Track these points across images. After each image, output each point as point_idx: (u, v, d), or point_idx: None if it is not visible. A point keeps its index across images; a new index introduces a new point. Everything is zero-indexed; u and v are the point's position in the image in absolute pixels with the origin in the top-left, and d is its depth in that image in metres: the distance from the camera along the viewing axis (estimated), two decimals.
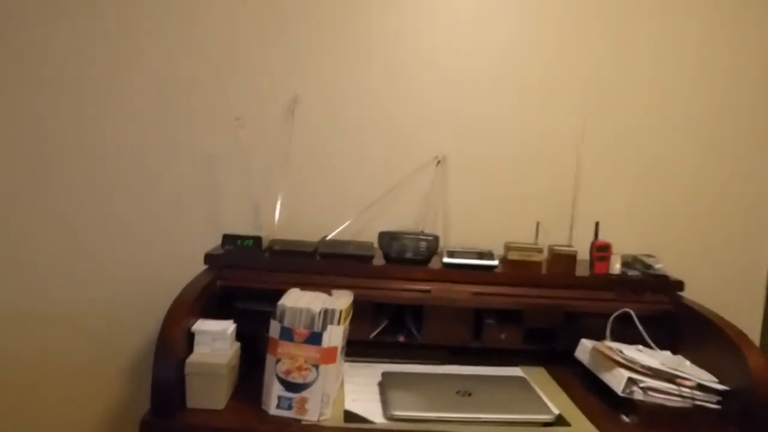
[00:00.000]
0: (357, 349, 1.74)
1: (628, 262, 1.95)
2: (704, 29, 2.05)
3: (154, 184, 2.03)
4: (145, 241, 2.04)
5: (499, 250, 1.92)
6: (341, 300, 1.47)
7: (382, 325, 1.82)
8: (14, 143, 2.00)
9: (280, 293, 1.50)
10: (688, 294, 1.87)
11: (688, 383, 1.52)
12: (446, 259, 1.83)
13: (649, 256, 1.97)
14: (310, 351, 1.36)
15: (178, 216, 2.04)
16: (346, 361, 1.68)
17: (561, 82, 2.05)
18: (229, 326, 1.50)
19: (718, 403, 1.53)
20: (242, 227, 2.03)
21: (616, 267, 1.91)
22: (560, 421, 1.45)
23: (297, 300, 1.42)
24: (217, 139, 2.02)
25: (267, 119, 2.02)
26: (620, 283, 1.87)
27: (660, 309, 1.85)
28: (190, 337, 1.48)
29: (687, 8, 2.04)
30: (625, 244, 2.01)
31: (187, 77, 2.00)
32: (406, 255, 1.82)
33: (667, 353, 1.75)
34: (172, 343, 1.40)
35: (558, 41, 2.03)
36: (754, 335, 2.16)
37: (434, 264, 1.85)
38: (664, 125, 2.08)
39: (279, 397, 1.38)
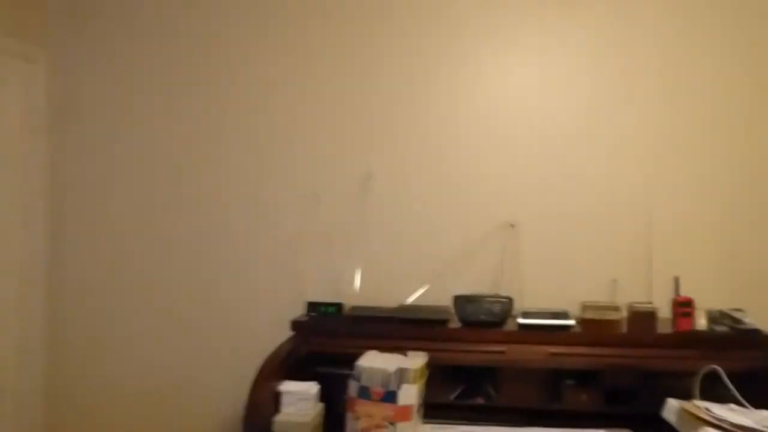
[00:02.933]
0: (436, 412, 1.78)
1: (714, 318, 1.89)
2: None
3: (249, 262, 2.22)
4: (234, 309, 2.21)
5: (575, 311, 1.93)
6: (415, 360, 1.54)
7: (460, 389, 1.86)
8: (117, 230, 2.27)
9: (359, 357, 1.58)
10: None
11: None
12: (521, 320, 1.86)
13: (737, 310, 1.90)
14: (387, 409, 1.43)
15: (265, 286, 2.19)
16: (425, 422, 1.71)
17: (627, 139, 2.08)
18: (312, 387, 1.60)
19: None
20: (325, 298, 2.14)
21: (701, 323, 1.86)
22: None
23: (374, 361, 1.51)
24: (298, 217, 2.19)
25: (344, 194, 2.18)
26: (706, 339, 1.82)
27: (753, 365, 1.77)
28: (277, 398, 1.59)
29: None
30: (709, 299, 1.96)
31: (269, 161, 2.21)
32: (481, 317, 1.87)
33: (764, 412, 1.67)
34: (261, 403, 1.52)
35: (622, 100, 2.09)
36: None
37: (510, 326, 1.88)
38: (739, 173, 2.05)
39: None
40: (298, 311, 2.05)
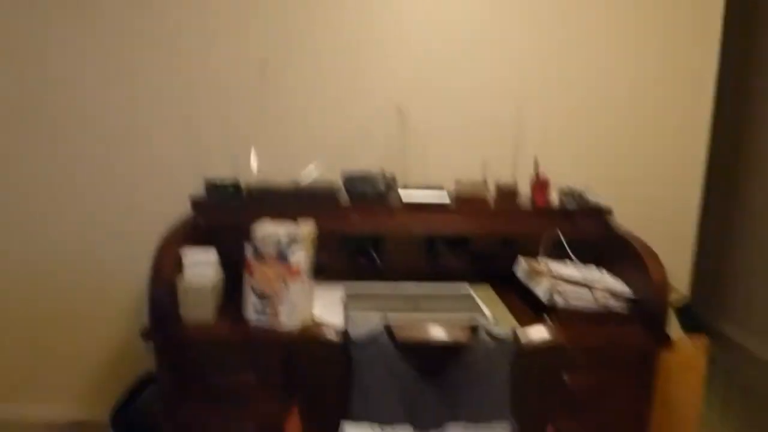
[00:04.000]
0: (326, 275, 2.02)
1: (564, 194, 2.21)
2: None
3: (147, 145, 2.28)
4: (134, 190, 2.31)
5: (451, 187, 2.18)
6: (305, 227, 1.74)
7: (348, 253, 2.10)
8: (21, 105, 2.25)
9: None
10: (624, 223, 2.13)
11: (600, 289, 1.81)
12: (403, 195, 2.09)
13: (583, 187, 2.23)
14: (279, 269, 1.64)
15: (167, 167, 2.29)
16: (316, 283, 1.95)
17: (502, 31, 2.27)
18: (213, 253, 1.78)
19: (626, 306, 1.82)
20: (225, 173, 2.28)
21: (554, 198, 2.18)
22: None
23: (267, 228, 1.70)
24: (198, 100, 2.26)
25: (241, 78, 2.25)
26: (557, 212, 2.14)
27: (590, 233, 2.12)
28: (179, 264, 1.76)
29: None
30: (562, 178, 2.27)
31: (171, 44, 2.23)
32: (367, 192, 2.08)
33: (592, 267, 2.03)
34: (165, 268, 1.69)
35: (508, 3, 2.26)
36: (686, 258, 2.46)
37: (393, 200, 2.11)
38: (597, 67, 2.32)
39: (256, 308, 1.67)
40: (198, 189, 2.19)
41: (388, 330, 1.19)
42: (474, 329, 1.21)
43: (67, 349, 2.41)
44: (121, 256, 2.35)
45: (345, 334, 1.19)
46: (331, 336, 1.19)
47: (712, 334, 2.29)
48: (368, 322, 1.20)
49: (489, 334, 1.20)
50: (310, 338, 1.20)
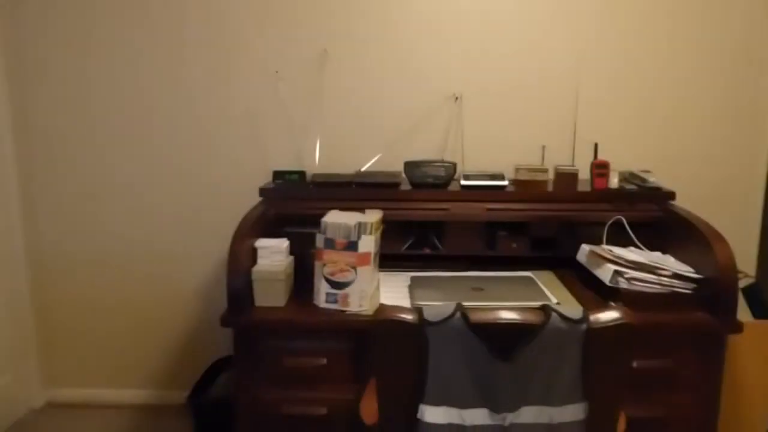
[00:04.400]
0: (390, 262, 2.08)
1: (625, 178, 2.20)
2: None
3: (209, 135, 2.38)
4: (204, 183, 2.42)
5: (509, 173, 2.20)
6: (372, 215, 1.80)
7: (411, 241, 2.16)
8: (86, 108, 2.38)
9: (322, 217, 1.83)
10: (687, 205, 2.11)
11: (665, 273, 1.81)
12: (463, 182, 2.13)
13: (645, 171, 2.21)
14: (349, 256, 1.70)
15: (233, 160, 2.39)
16: (380, 271, 2.02)
17: (559, 16, 2.27)
18: (284, 242, 1.85)
19: (692, 289, 1.82)
20: (288, 166, 2.36)
21: (614, 182, 2.17)
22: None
23: (337, 217, 1.76)
24: (260, 92, 2.34)
25: (301, 70, 2.32)
26: (617, 195, 2.13)
27: (653, 216, 2.11)
28: (253, 253, 1.84)
29: None
30: (623, 162, 2.26)
31: (230, 41, 2.31)
32: (428, 180, 2.12)
33: (657, 253, 2.03)
34: (240, 257, 1.77)
35: None
36: (753, 240, 2.41)
37: (453, 187, 2.15)
38: (657, 49, 2.29)
39: (326, 294, 1.74)
40: (264, 180, 2.27)
41: (462, 311, 1.23)
42: (546, 311, 1.24)
43: (144, 336, 2.55)
44: (192, 246, 2.47)
45: (420, 314, 1.24)
46: (408, 316, 1.24)
47: None
48: (441, 307, 1.25)
49: (560, 315, 1.23)
50: (387, 319, 1.25)
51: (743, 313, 2.06)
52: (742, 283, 2.08)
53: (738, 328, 1.75)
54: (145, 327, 2.53)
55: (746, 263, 2.38)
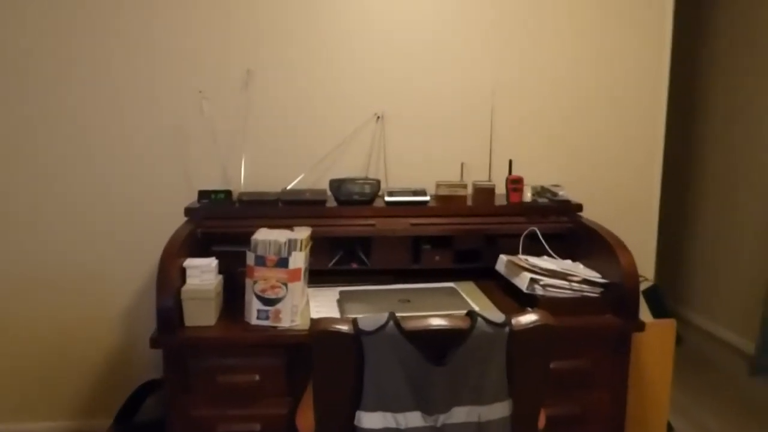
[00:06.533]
0: (318, 278, 2.13)
1: (537, 192, 2.36)
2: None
3: (133, 154, 2.35)
4: (128, 202, 2.37)
5: (431, 189, 2.31)
6: (301, 232, 1.84)
7: (338, 256, 2.21)
8: (13, 128, 2.29)
9: (250, 236, 1.84)
10: (594, 217, 2.28)
11: (576, 279, 1.96)
12: (387, 198, 2.21)
13: (555, 185, 2.38)
14: (280, 273, 1.73)
15: (157, 179, 2.36)
16: (309, 286, 2.05)
17: (476, 40, 2.42)
18: (212, 261, 1.86)
19: (600, 293, 1.97)
20: (213, 185, 2.36)
21: (527, 196, 2.32)
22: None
23: (266, 235, 1.79)
24: (185, 112, 2.34)
25: (226, 90, 2.34)
26: (531, 208, 2.28)
27: (563, 227, 2.27)
28: (182, 273, 1.84)
29: None
30: (535, 177, 2.43)
31: (160, 55, 2.30)
32: (354, 197, 2.19)
33: (568, 261, 2.18)
34: (169, 276, 1.76)
35: (472, 10, 2.39)
36: (650, 247, 2.64)
37: (378, 203, 2.23)
38: (565, 76, 2.48)
39: (258, 311, 1.76)
40: (189, 199, 2.26)
41: (395, 320, 1.30)
42: (472, 316, 1.33)
43: (66, 363, 2.44)
44: (114, 266, 2.40)
45: (356, 324, 1.29)
46: (344, 327, 1.29)
47: (677, 318, 2.47)
48: (375, 317, 1.31)
49: (485, 320, 1.32)
50: (324, 330, 1.30)
51: (644, 314, 2.25)
52: (643, 286, 2.28)
53: (641, 327, 1.91)
54: (62, 352, 2.43)
55: (645, 268, 2.60)
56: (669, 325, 2.26)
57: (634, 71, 2.52)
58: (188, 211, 2.13)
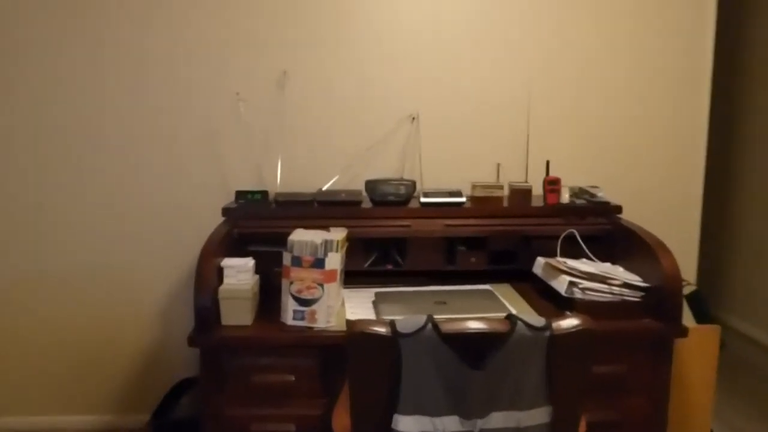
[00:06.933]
0: (353, 279, 2.12)
1: (575, 193, 2.32)
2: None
3: (172, 155, 2.38)
4: (166, 203, 2.40)
5: (466, 190, 2.29)
6: (337, 233, 1.84)
7: (373, 257, 2.20)
8: (47, 127, 2.34)
9: (286, 236, 1.84)
10: (634, 219, 2.24)
11: (616, 282, 1.92)
12: (423, 199, 2.20)
13: (594, 186, 2.34)
14: (316, 273, 1.74)
15: (195, 180, 2.39)
16: (344, 287, 2.05)
17: (512, 39, 2.39)
18: (249, 261, 1.87)
19: (641, 297, 1.92)
20: (249, 186, 2.38)
21: (565, 197, 2.28)
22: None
23: (302, 236, 1.79)
24: (221, 113, 2.36)
25: (262, 92, 2.36)
26: (569, 210, 2.24)
27: (602, 229, 2.22)
28: (219, 273, 1.85)
29: None
30: (572, 178, 2.39)
31: (195, 57, 2.33)
32: (389, 198, 2.18)
33: (607, 264, 2.14)
34: (207, 277, 1.78)
35: (509, 7, 2.37)
36: (693, 250, 2.57)
37: (413, 204, 2.22)
38: (604, 75, 2.44)
39: (294, 311, 1.77)
40: (226, 200, 2.28)
41: (433, 323, 1.28)
42: (511, 320, 1.30)
43: (103, 360, 2.49)
44: (153, 266, 2.44)
45: (393, 326, 1.28)
46: (381, 329, 1.29)
47: (719, 323, 2.39)
48: (413, 319, 1.30)
49: (525, 324, 1.30)
50: (361, 332, 1.29)
51: (686, 318, 2.19)
52: (685, 290, 2.22)
53: (683, 332, 1.86)
54: (101, 350, 2.48)
55: (688, 272, 2.53)
56: (713, 330, 2.20)
57: (674, 71, 2.45)
58: (225, 212, 2.15)
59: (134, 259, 2.43)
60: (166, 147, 2.38)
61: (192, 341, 1.75)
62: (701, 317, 2.30)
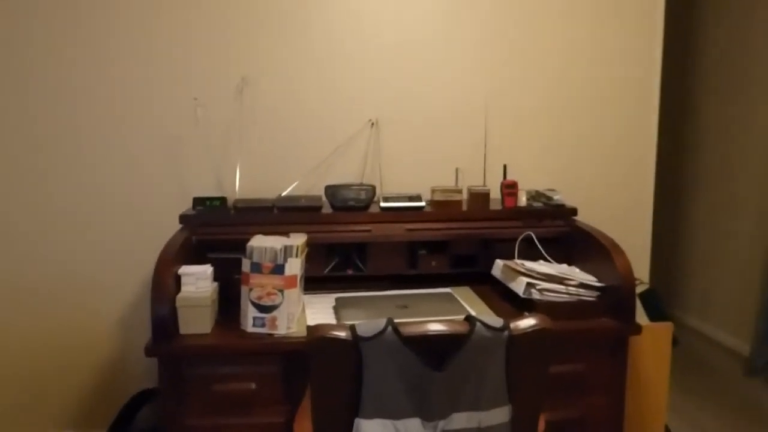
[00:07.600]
0: (314, 284, 2.12)
1: (532, 196, 2.36)
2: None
3: (128, 161, 2.33)
4: (123, 210, 2.35)
5: (426, 194, 2.31)
6: (297, 239, 1.83)
7: (334, 263, 2.20)
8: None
9: (245, 243, 1.83)
10: (588, 221, 2.28)
11: (572, 283, 1.96)
12: (383, 204, 2.20)
13: (550, 190, 2.38)
14: (276, 279, 1.72)
15: (152, 186, 2.35)
16: (305, 293, 2.04)
17: (470, 46, 2.43)
18: (208, 268, 1.84)
19: (596, 297, 1.97)
20: (208, 192, 2.35)
21: (522, 200, 2.32)
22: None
23: (262, 242, 1.78)
24: (179, 119, 2.33)
25: (220, 98, 2.34)
26: (526, 213, 2.28)
27: (558, 231, 2.27)
28: (177, 280, 1.82)
29: None
30: (529, 181, 2.43)
31: (155, 62, 2.29)
32: (349, 203, 2.18)
33: (564, 265, 2.18)
34: (164, 285, 1.74)
35: (465, 15, 2.40)
36: (645, 250, 2.65)
37: (373, 209, 2.22)
38: (559, 81, 2.49)
39: (254, 318, 1.75)
40: (183, 207, 2.25)
41: (393, 326, 1.29)
42: (470, 321, 1.32)
43: (59, 373, 2.41)
44: (108, 274, 2.38)
45: (354, 330, 1.28)
46: (342, 333, 1.29)
47: (674, 321, 2.47)
48: (373, 323, 1.30)
49: (484, 324, 1.32)
50: (322, 336, 1.29)
51: (640, 316, 2.25)
52: (639, 289, 2.28)
53: (638, 330, 1.91)
54: (55, 361, 2.40)
55: (642, 272, 2.60)
56: (666, 327, 2.26)
57: (625, 75, 2.53)
58: (183, 219, 2.12)
59: (91, 268, 2.37)
60: (124, 152, 2.33)
61: (149, 351, 1.72)
62: (656, 315, 2.36)
